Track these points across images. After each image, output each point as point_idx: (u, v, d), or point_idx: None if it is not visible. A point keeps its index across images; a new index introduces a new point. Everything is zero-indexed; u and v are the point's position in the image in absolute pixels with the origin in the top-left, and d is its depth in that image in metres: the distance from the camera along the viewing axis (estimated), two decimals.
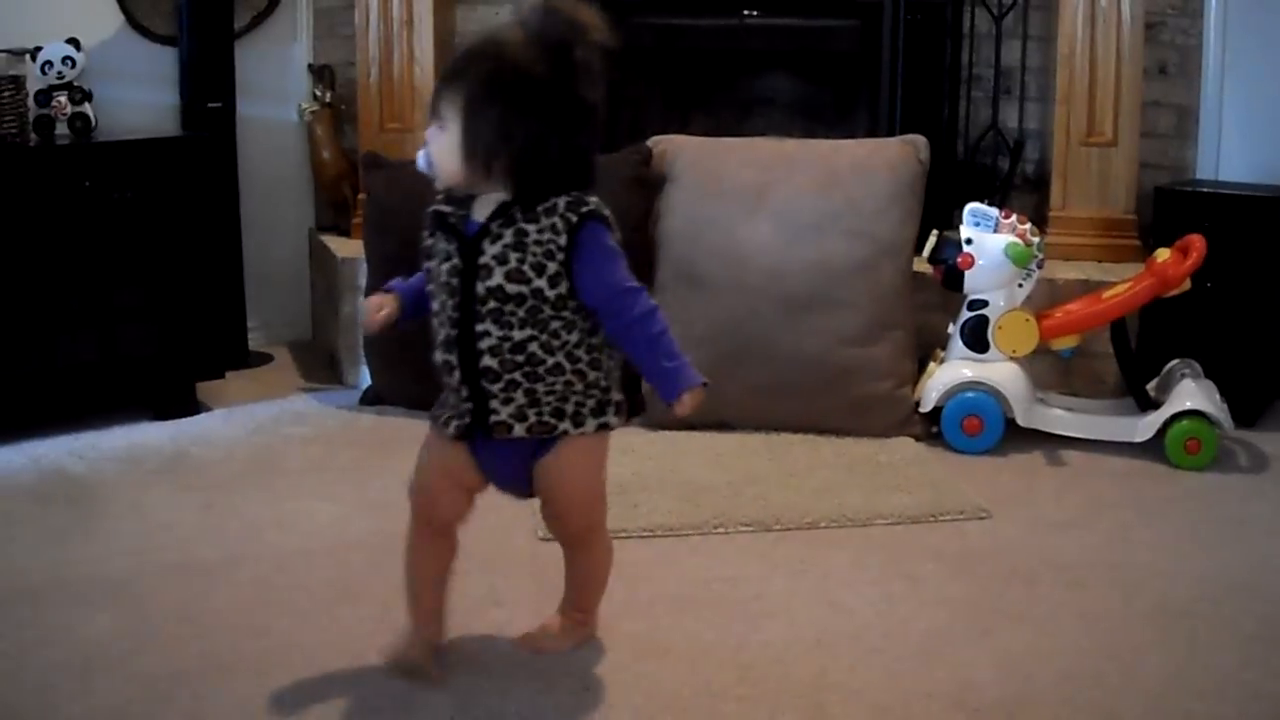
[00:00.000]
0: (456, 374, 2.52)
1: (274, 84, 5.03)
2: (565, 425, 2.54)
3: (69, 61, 4.34)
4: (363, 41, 4.80)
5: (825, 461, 3.81)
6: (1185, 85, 4.75)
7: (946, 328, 4.08)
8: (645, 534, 3.36)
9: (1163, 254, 3.97)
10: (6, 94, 4.07)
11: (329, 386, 4.62)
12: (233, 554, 3.28)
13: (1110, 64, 4.50)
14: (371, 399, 4.38)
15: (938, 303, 4.15)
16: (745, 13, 4.79)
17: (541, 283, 2.45)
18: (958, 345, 4.02)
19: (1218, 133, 4.73)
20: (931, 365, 4.09)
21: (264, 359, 4.96)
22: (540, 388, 2.50)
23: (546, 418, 2.52)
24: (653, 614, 2.95)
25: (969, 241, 3.95)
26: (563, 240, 2.44)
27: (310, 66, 5.01)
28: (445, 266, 2.51)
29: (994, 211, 3.98)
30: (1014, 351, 3.98)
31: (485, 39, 2.51)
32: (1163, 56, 4.72)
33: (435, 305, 2.54)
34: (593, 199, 2.48)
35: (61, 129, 4.32)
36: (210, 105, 4.72)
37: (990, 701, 2.60)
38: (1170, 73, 4.75)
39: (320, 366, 4.85)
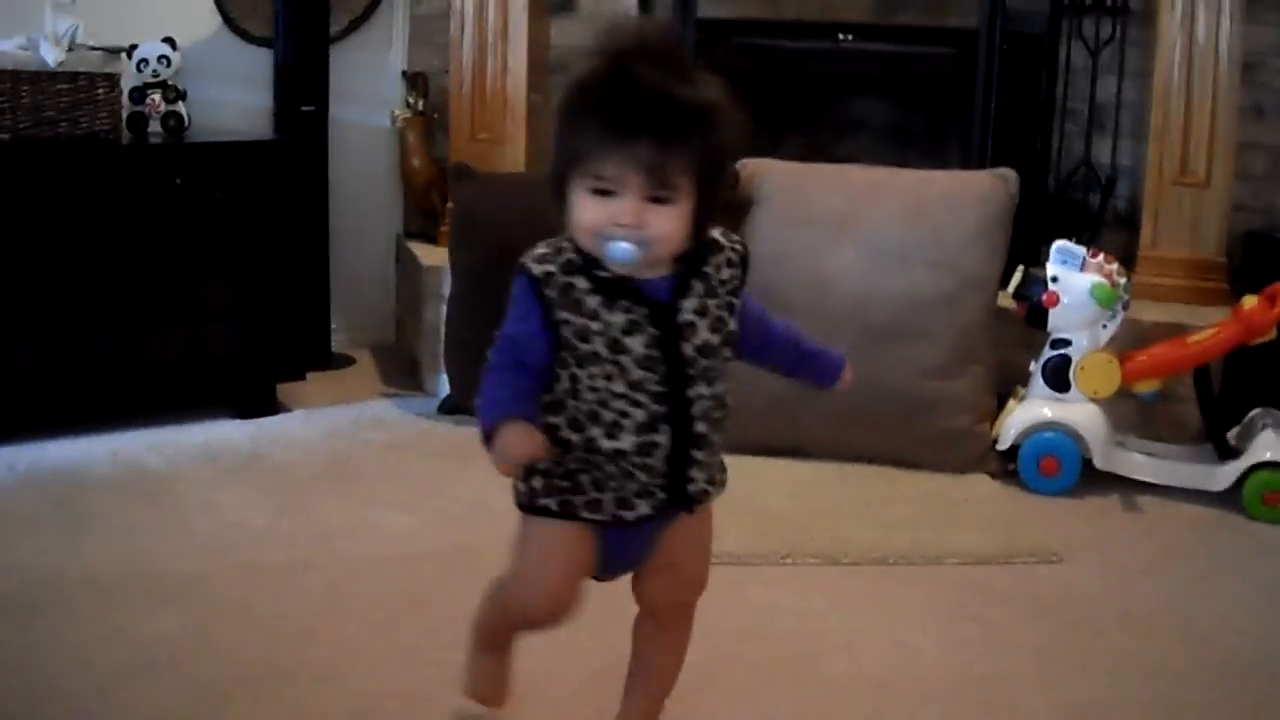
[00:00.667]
0: (660, 452, 2.17)
1: (368, 89, 5.06)
2: (723, 475, 2.30)
3: (165, 60, 4.38)
4: (456, 51, 4.82)
5: (899, 495, 3.79)
6: None
7: (1029, 365, 4.04)
8: (713, 561, 3.33)
9: (1249, 301, 3.93)
10: (101, 91, 4.11)
11: (409, 393, 4.64)
12: (302, 558, 3.30)
13: (1206, 103, 4.46)
14: (450, 408, 4.40)
15: (1021, 339, 4.11)
16: (840, 36, 4.78)
17: (734, 324, 2.19)
18: (1039, 384, 3.99)
19: None
20: (1011, 403, 4.06)
21: (347, 361, 4.98)
22: (718, 438, 2.24)
23: (717, 471, 2.27)
24: (713, 644, 2.90)
25: (1054, 279, 3.92)
26: (739, 273, 2.19)
27: (404, 73, 5.03)
28: (638, 340, 2.11)
29: (1081, 250, 3.94)
30: (1095, 393, 3.94)
31: (675, 71, 2.04)
32: (1259, 98, 4.67)
33: (615, 387, 2.14)
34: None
35: (155, 127, 4.37)
36: (303, 108, 4.76)
37: None
38: (1267, 114, 4.69)
39: (402, 372, 4.87)
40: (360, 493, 3.73)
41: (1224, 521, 3.81)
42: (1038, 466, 3.93)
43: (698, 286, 2.13)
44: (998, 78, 4.62)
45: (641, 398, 2.14)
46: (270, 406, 4.35)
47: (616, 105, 2.01)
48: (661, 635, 2.45)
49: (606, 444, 2.16)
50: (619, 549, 2.28)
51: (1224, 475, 3.89)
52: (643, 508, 2.20)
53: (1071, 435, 3.92)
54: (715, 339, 2.15)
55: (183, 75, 4.47)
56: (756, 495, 3.71)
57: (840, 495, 3.72)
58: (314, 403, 4.47)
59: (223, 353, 4.26)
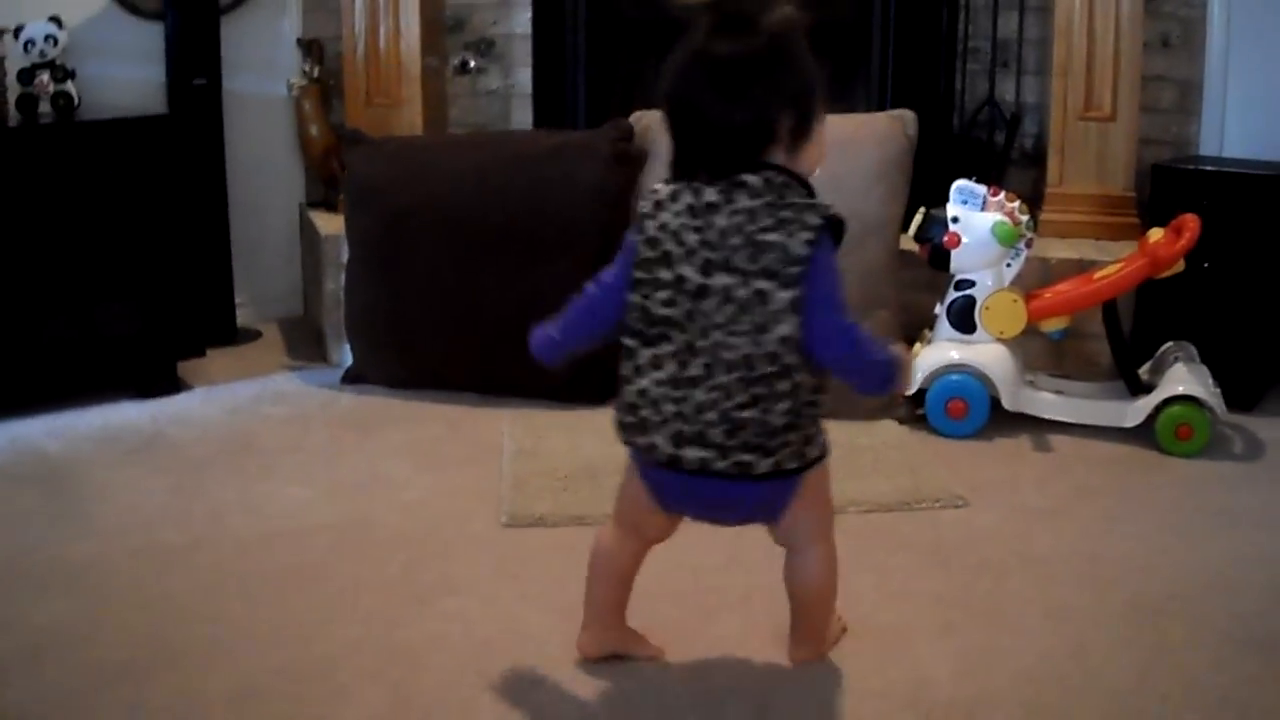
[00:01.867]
0: None
1: (263, 59, 4.96)
2: None
3: (51, 40, 4.30)
4: (348, 16, 4.73)
5: None
6: (1188, 58, 4.65)
7: (934, 308, 3.98)
8: (588, 521, 3.27)
9: (1156, 234, 3.88)
10: None
11: (313, 365, 4.57)
12: (196, 537, 3.24)
13: (1109, 36, 4.41)
14: (352, 377, 4.33)
15: (926, 282, 4.06)
16: None
17: None
18: (944, 326, 3.94)
19: (1222, 108, 4.62)
20: (918, 346, 4.00)
21: (253, 336, 4.91)
22: None
23: None
24: None
25: (955, 220, 3.86)
26: None
27: (299, 41, 4.94)
28: None
29: (981, 189, 3.88)
30: (1001, 333, 3.89)
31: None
32: (1165, 29, 4.62)
33: None
34: (649, 194, 2.45)
35: (45, 108, 4.27)
36: (196, 82, 4.66)
37: (944, 701, 2.52)
38: (1173, 45, 4.64)
39: (307, 344, 4.80)
40: (257, 468, 3.66)
41: (1137, 458, 3.77)
42: (945, 410, 3.88)
43: None
44: (897, 18, 4.57)
45: None
46: (171, 385, 4.27)
47: None
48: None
49: None
50: None
51: (1136, 411, 3.85)
52: None
53: (978, 377, 3.87)
54: None
55: (71, 54, 4.37)
56: None
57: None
58: (217, 379, 4.39)
59: (121, 333, 4.18)
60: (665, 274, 2.39)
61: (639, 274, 2.42)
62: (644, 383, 2.44)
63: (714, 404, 2.36)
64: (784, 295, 2.33)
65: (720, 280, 2.35)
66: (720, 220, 2.35)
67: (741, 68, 2.33)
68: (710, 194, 2.36)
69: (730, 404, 2.36)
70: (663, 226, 2.39)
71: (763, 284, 2.33)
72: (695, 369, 2.37)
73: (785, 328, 2.33)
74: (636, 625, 2.69)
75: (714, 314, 2.35)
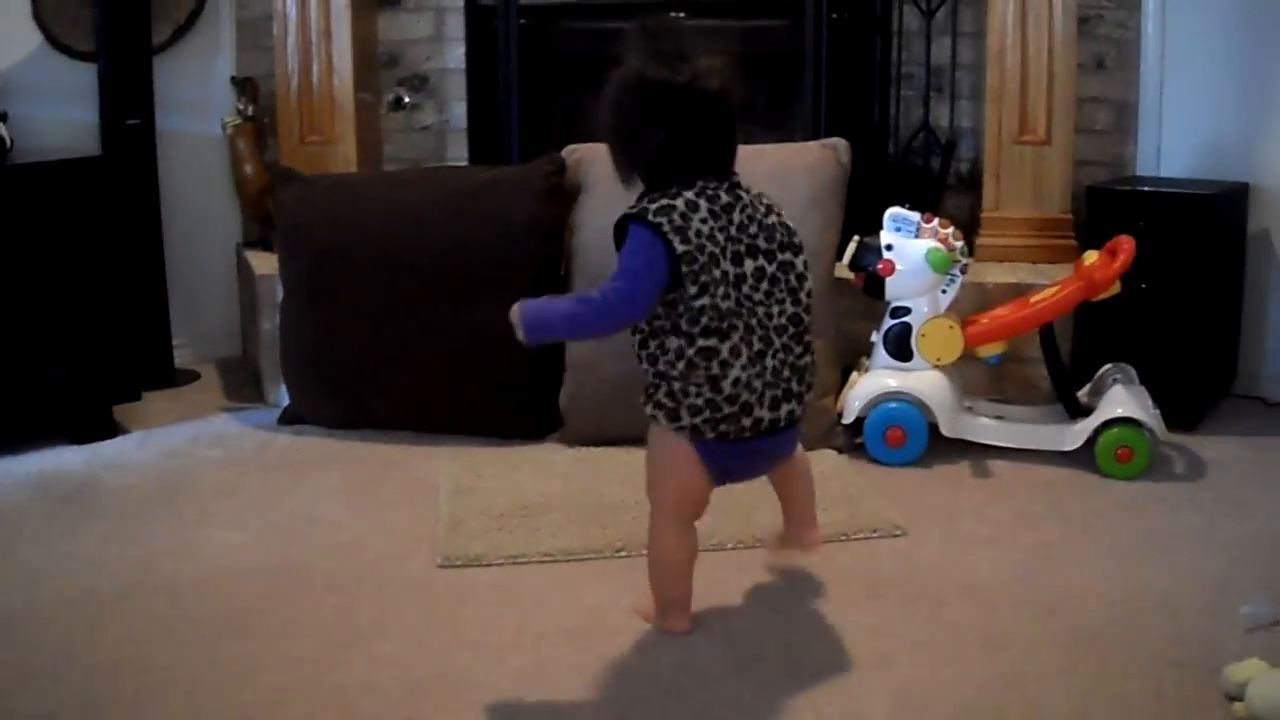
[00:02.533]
0: None
1: (197, 98, 4.93)
2: (649, 410, 2.77)
3: None
4: (281, 53, 4.71)
5: None
6: (1123, 80, 4.66)
7: (871, 336, 3.97)
8: (544, 559, 3.26)
9: (1090, 256, 3.88)
10: None
11: (251, 405, 4.53)
12: (128, 585, 3.19)
13: (1042, 60, 4.41)
14: (289, 418, 4.30)
15: (862, 310, 4.05)
16: (674, 15, 4.68)
17: None
18: (881, 354, 3.92)
19: (1158, 128, 4.63)
20: (855, 375, 3.99)
21: (191, 377, 4.87)
22: (649, 370, 2.76)
23: (648, 404, 2.77)
24: (541, 647, 2.85)
25: (889, 248, 3.85)
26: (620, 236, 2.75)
27: (233, 79, 4.91)
28: None
29: (915, 216, 3.88)
30: (938, 360, 3.88)
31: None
32: (1099, 50, 4.63)
33: None
34: (653, 205, 2.69)
35: None
36: (129, 122, 4.63)
37: None
38: (1108, 67, 4.65)
39: (247, 384, 4.77)
40: (192, 513, 3.62)
41: (1077, 481, 3.76)
42: (884, 438, 3.87)
43: None
44: (830, 46, 4.55)
45: None
46: (107, 430, 4.22)
47: None
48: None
49: None
50: None
51: (1075, 434, 3.84)
52: None
53: (916, 404, 3.86)
54: None
55: (3, 95, 4.36)
56: (596, 487, 3.62)
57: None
58: (153, 422, 4.35)
59: (56, 378, 4.13)
60: (717, 273, 2.67)
61: (702, 279, 2.66)
62: (735, 373, 2.69)
63: (785, 364, 2.76)
64: (800, 261, 2.81)
65: (749, 265, 2.72)
66: (736, 216, 2.73)
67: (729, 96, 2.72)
68: (723, 195, 2.73)
69: (794, 358, 2.77)
70: (698, 233, 2.67)
71: (784, 256, 2.77)
72: (759, 344, 2.71)
73: (809, 284, 2.82)
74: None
75: (753, 294, 2.72)
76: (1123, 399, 3.79)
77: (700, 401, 2.69)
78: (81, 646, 2.89)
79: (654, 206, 2.67)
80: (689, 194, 2.69)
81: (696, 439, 2.73)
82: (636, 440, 3.27)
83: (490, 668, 2.76)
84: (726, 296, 2.67)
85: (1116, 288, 3.84)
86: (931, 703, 2.61)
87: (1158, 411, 3.81)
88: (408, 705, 2.63)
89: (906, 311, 3.88)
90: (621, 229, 2.74)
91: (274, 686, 2.71)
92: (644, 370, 2.76)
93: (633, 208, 2.72)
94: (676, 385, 2.70)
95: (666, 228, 2.65)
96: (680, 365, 2.68)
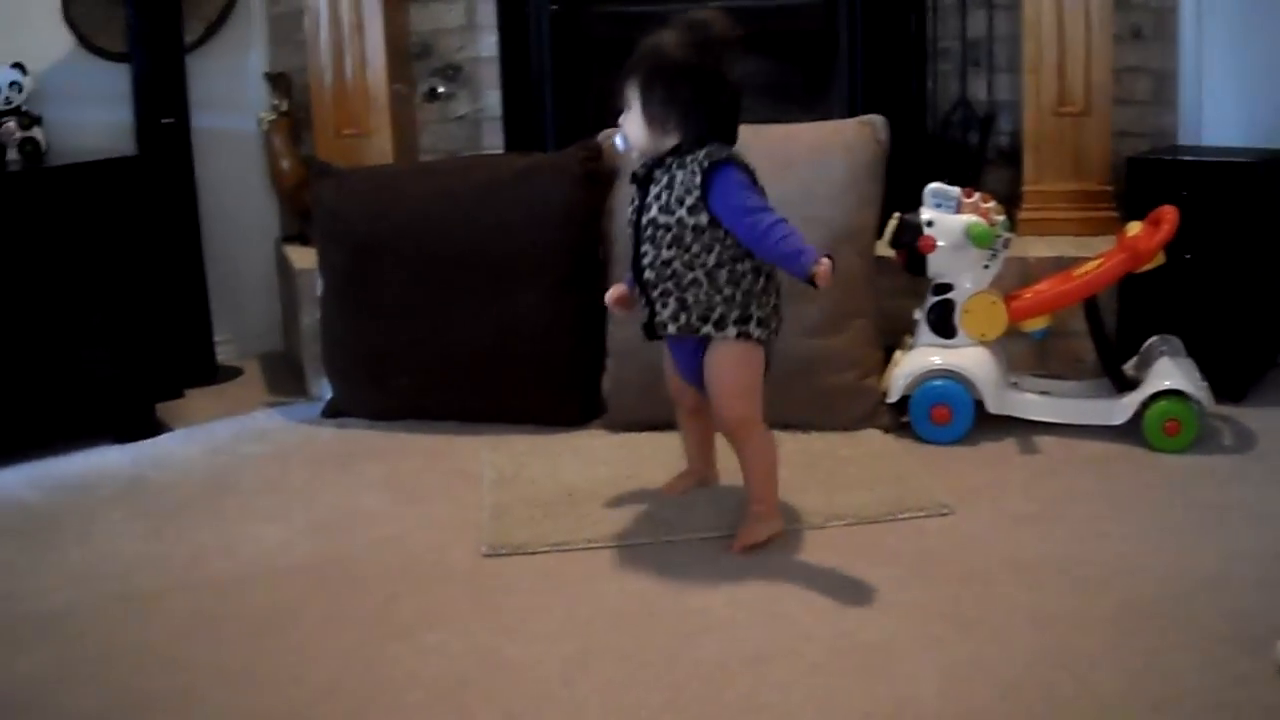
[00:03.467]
0: (637, 287, 3.22)
1: (231, 95, 4.92)
2: (708, 329, 3.15)
3: (16, 86, 4.30)
4: (314, 47, 4.70)
5: (786, 458, 3.64)
6: (1162, 49, 4.60)
7: (914, 314, 3.94)
8: (590, 546, 3.25)
9: (1134, 227, 3.84)
10: None
11: (294, 400, 4.53)
12: (173, 582, 3.19)
13: (1079, 30, 4.36)
14: (332, 412, 4.29)
15: (906, 288, 4.01)
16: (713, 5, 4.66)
17: (682, 213, 3.11)
18: (924, 331, 3.89)
19: (1199, 96, 4.57)
20: (899, 353, 3.96)
21: (234, 373, 4.87)
22: (689, 297, 3.14)
23: (694, 321, 3.15)
24: (588, 633, 2.84)
25: (930, 224, 3.82)
26: (697, 180, 3.09)
27: (266, 75, 4.90)
28: (630, 208, 3.22)
29: (955, 191, 3.84)
30: (982, 336, 3.85)
31: (648, 43, 3.18)
32: (1136, 20, 4.57)
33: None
34: (727, 149, 3.14)
35: (12, 154, 4.26)
36: (164, 121, 4.63)
37: (929, 718, 2.48)
38: (1145, 36, 4.59)
39: (289, 379, 4.76)
40: (236, 509, 3.62)
41: (1125, 456, 3.72)
42: (929, 416, 3.83)
43: (662, 180, 3.16)
44: (866, 22, 4.52)
45: (628, 242, 3.25)
46: (150, 428, 4.23)
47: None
48: (733, 448, 3.32)
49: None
50: (678, 357, 3.30)
51: (1123, 408, 3.80)
52: (642, 326, 3.25)
53: (961, 381, 3.83)
54: (661, 218, 3.14)
55: (38, 99, 4.37)
56: (641, 473, 3.61)
57: (723, 465, 3.58)
58: (196, 419, 4.35)
59: (98, 377, 4.14)
60: None
61: None
62: (775, 293, 3.24)
63: None
64: None
65: None
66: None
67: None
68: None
69: None
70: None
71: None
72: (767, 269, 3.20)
73: None
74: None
75: None
76: (1170, 371, 3.76)
77: (767, 312, 3.19)
78: (128, 644, 2.90)
79: (728, 152, 3.14)
80: (727, 148, 3.17)
81: (764, 344, 3.20)
82: (674, 424, 3.28)
83: (538, 656, 2.75)
84: None
85: (1160, 259, 3.80)
86: (981, 681, 2.59)
87: (1206, 384, 3.77)
88: (456, 696, 2.62)
89: (949, 288, 3.85)
90: (707, 177, 3.11)
91: (321, 680, 2.71)
92: (708, 296, 3.14)
93: (712, 157, 3.11)
94: (754, 302, 3.15)
95: (750, 166, 3.17)
96: (760, 283, 3.16)
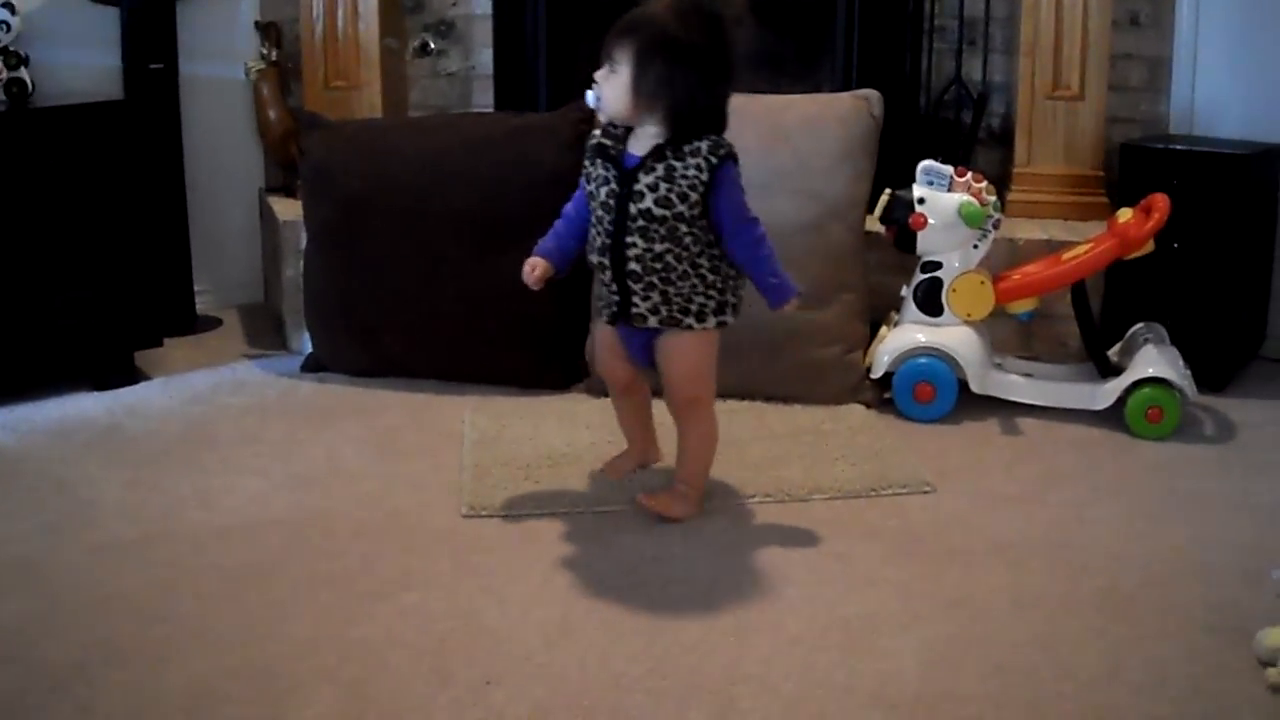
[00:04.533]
0: (608, 274, 3.09)
1: (220, 42, 4.88)
2: (690, 321, 3.08)
3: (4, 26, 4.25)
4: None
5: (769, 431, 3.68)
6: (1158, 36, 4.59)
7: (901, 290, 3.94)
8: (571, 510, 3.24)
9: (1125, 214, 3.84)
10: None
11: (273, 352, 4.50)
12: (151, 532, 3.18)
13: (1076, 14, 4.35)
14: (312, 366, 4.27)
15: (894, 264, 4.01)
16: None
17: (682, 208, 3.01)
18: (911, 309, 3.89)
19: (1192, 86, 4.57)
20: (884, 329, 3.96)
21: (213, 324, 4.84)
22: (671, 290, 3.05)
23: (675, 313, 3.08)
24: (568, 599, 2.83)
25: (921, 201, 3.81)
26: (705, 176, 3.00)
27: (256, 24, 4.86)
28: (604, 190, 3.07)
29: (948, 169, 3.83)
30: (969, 315, 3.84)
31: (650, 9, 3.03)
32: (1134, 7, 4.57)
33: (593, 219, 3.12)
34: (727, 143, 3.04)
35: None
36: (152, 66, 4.59)
37: (910, 696, 2.48)
38: (1142, 23, 4.59)
39: (269, 331, 4.73)
40: (214, 460, 3.60)
41: (1107, 441, 3.72)
42: (912, 393, 3.83)
43: (659, 169, 3.00)
44: None
45: (600, 229, 3.09)
46: (129, 376, 4.20)
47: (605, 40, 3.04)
48: (677, 430, 3.26)
49: (590, 257, 3.16)
50: (627, 341, 3.19)
51: (1106, 393, 3.80)
52: (606, 313, 3.15)
53: (946, 360, 3.83)
54: (658, 210, 3.01)
55: (25, 40, 4.30)
56: (620, 438, 3.56)
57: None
58: (175, 369, 4.32)
59: (78, 323, 4.10)
60: None
61: None
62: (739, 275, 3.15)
63: None
64: None
65: None
66: None
67: None
68: None
69: None
70: None
71: None
72: None
73: None
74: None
75: None
76: (1154, 359, 3.76)
77: (739, 297, 3.14)
78: (106, 594, 2.88)
79: (729, 146, 3.04)
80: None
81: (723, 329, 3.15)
82: (657, 390, 3.27)
83: (517, 619, 2.74)
84: None
85: (1150, 246, 3.80)
86: (963, 661, 2.59)
87: (1189, 372, 3.77)
88: (434, 656, 2.61)
89: (937, 266, 3.84)
90: (715, 174, 3.02)
91: (300, 637, 2.69)
92: (691, 288, 3.07)
93: (720, 148, 3.03)
94: (729, 288, 3.11)
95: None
96: (733, 270, 3.10)
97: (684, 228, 3.01)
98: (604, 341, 3.25)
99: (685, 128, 3.01)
